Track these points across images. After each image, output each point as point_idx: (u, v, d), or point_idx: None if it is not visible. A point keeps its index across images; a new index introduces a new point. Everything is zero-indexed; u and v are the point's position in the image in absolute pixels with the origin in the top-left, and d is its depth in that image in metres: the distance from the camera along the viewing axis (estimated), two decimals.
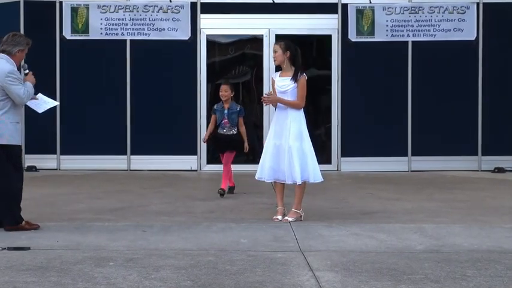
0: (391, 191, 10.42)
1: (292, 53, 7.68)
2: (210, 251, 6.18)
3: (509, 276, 5.37)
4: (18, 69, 7.31)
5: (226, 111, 9.59)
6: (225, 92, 9.63)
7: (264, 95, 7.87)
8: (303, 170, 7.57)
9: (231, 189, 9.74)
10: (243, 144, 9.64)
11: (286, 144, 7.57)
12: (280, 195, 7.77)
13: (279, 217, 7.65)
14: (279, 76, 7.77)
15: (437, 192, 10.31)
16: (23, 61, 7.41)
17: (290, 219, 7.60)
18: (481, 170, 12.99)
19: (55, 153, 12.96)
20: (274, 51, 7.77)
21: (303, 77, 7.67)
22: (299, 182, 7.56)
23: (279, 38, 12.75)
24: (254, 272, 5.42)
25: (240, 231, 7.06)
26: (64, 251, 6.14)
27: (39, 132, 12.70)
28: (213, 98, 13.59)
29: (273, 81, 7.82)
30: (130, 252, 6.09)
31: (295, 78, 7.62)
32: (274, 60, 7.81)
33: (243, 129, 9.64)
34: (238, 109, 9.67)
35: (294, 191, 7.74)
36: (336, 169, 13.00)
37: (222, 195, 9.36)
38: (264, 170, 7.67)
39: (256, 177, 7.78)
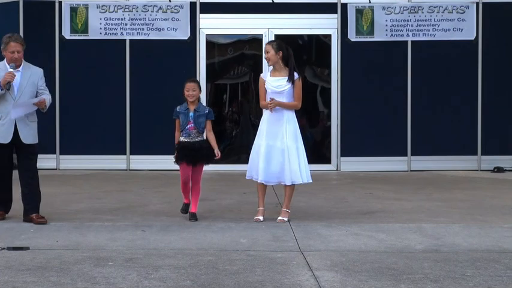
0: (390, 190, 10.42)
1: (284, 53, 7.65)
2: (209, 250, 6.18)
3: (508, 276, 5.37)
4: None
5: (192, 114, 7.81)
6: (192, 91, 7.82)
7: (268, 102, 7.61)
8: (301, 170, 7.58)
9: (194, 216, 7.82)
10: (213, 151, 7.82)
11: (284, 144, 7.55)
12: (263, 196, 7.76)
13: (261, 218, 7.64)
14: (270, 76, 7.71)
15: (436, 191, 10.31)
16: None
17: (285, 219, 7.61)
18: (481, 170, 12.99)
19: (54, 153, 12.96)
20: (267, 52, 7.68)
21: (300, 78, 7.67)
22: (299, 182, 7.57)
23: (278, 37, 12.79)
24: (253, 272, 5.42)
25: (240, 231, 7.06)
26: (63, 250, 6.14)
27: (39, 132, 12.67)
28: (213, 98, 13.62)
29: (263, 81, 7.71)
30: (129, 252, 6.09)
31: (291, 79, 7.60)
32: (268, 61, 7.70)
33: (211, 135, 7.87)
34: (207, 111, 7.92)
35: (284, 191, 7.73)
36: (336, 169, 13.00)
37: (186, 212, 7.89)
38: (258, 170, 7.63)
39: (256, 179, 7.70)
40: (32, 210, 7.53)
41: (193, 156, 7.77)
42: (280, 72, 7.67)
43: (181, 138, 7.82)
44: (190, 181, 7.81)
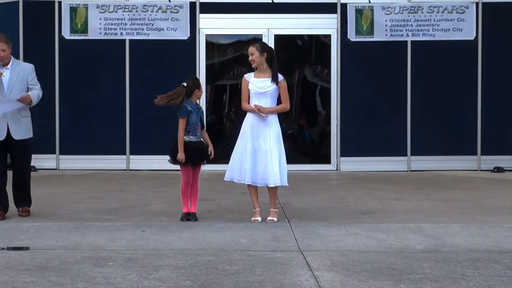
0: (390, 190, 10.41)
1: (268, 54, 7.65)
2: (209, 250, 6.18)
3: (508, 276, 5.37)
4: None
5: (199, 113, 7.78)
6: (202, 89, 7.86)
7: (260, 112, 7.53)
8: (281, 172, 7.59)
9: (194, 216, 7.75)
10: (208, 151, 7.80)
11: (267, 145, 7.55)
12: (256, 197, 7.75)
13: (259, 218, 7.64)
14: (254, 77, 7.68)
15: (436, 191, 10.31)
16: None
17: (275, 219, 7.62)
18: (481, 170, 12.99)
19: (54, 153, 12.96)
20: (251, 54, 7.64)
21: (284, 80, 7.67)
22: (279, 184, 7.57)
23: (278, 37, 12.79)
24: (253, 272, 5.42)
25: (239, 231, 7.06)
26: (63, 250, 6.14)
27: (38, 132, 12.51)
28: (213, 98, 13.61)
29: (247, 83, 7.67)
30: (129, 252, 6.09)
31: (276, 80, 7.60)
32: (252, 62, 7.65)
33: (206, 133, 7.90)
34: (202, 109, 7.98)
35: (268, 192, 7.72)
36: (335, 169, 13.00)
37: (188, 219, 7.70)
38: (243, 172, 7.58)
39: (238, 180, 7.65)
40: (18, 204, 7.83)
41: (199, 157, 7.75)
42: (264, 74, 7.66)
43: (188, 139, 7.69)
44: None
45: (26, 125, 7.81)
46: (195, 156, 7.68)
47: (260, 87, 7.62)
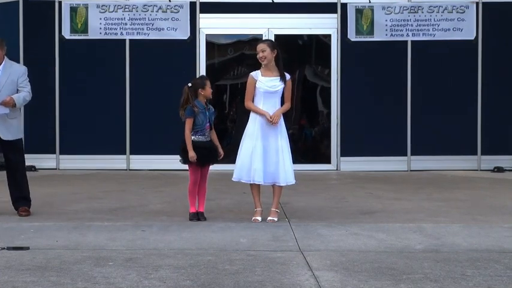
0: (390, 190, 10.41)
1: (278, 51, 7.63)
2: (209, 250, 6.18)
3: (508, 276, 5.37)
4: None
5: (207, 113, 7.72)
6: (209, 89, 7.79)
7: (272, 119, 7.50)
8: (291, 170, 7.60)
9: (202, 215, 7.76)
10: (217, 151, 7.81)
11: (278, 144, 7.54)
12: (259, 197, 7.73)
13: (259, 218, 7.62)
14: (262, 76, 7.60)
15: (436, 191, 10.31)
16: None
17: (275, 219, 7.60)
18: (481, 170, 13.00)
19: (54, 152, 12.97)
20: (262, 51, 7.54)
21: (291, 78, 7.67)
22: (292, 182, 7.57)
23: (278, 37, 12.78)
24: (253, 272, 5.42)
25: (239, 231, 7.06)
26: (63, 250, 6.14)
27: (39, 132, 12.69)
28: (213, 98, 13.55)
29: (254, 81, 7.58)
30: (129, 252, 6.09)
31: (284, 79, 7.58)
32: (263, 59, 7.55)
33: (215, 133, 7.88)
34: (213, 110, 7.93)
35: (273, 191, 7.71)
36: (336, 169, 13.00)
37: (199, 219, 7.70)
38: (252, 171, 7.54)
39: (247, 180, 7.60)
40: (17, 204, 7.90)
41: (209, 156, 7.74)
42: (272, 72, 7.61)
43: (197, 138, 7.65)
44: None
45: (15, 126, 7.88)
46: (203, 155, 7.64)
47: (270, 86, 7.56)
